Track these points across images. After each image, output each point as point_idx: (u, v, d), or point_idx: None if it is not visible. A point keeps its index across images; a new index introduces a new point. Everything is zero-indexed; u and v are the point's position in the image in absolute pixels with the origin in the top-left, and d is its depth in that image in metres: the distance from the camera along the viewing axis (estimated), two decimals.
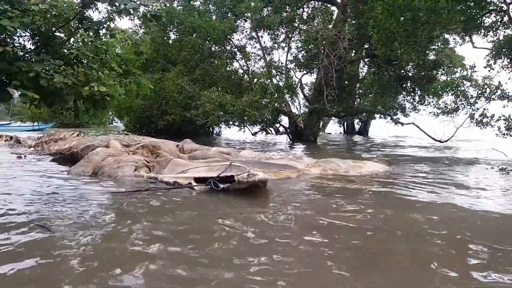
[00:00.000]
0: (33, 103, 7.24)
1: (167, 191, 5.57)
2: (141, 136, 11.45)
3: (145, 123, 22.81)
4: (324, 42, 17.17)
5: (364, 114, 25.55)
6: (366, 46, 18.75)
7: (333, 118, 28.78)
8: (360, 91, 21.43)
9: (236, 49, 20.95)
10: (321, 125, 26.39)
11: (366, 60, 20.67)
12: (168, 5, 20.16)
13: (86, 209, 4.26)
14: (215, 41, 19.01)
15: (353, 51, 19.38)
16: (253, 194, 5.18)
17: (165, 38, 20.78)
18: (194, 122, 19.59)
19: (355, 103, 22.38)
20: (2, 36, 7.03)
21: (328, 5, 19.89)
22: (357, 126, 31.81)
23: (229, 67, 21.19)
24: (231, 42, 20.62)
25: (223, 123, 20.97)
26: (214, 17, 20.41)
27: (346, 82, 19.87)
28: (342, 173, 7.88)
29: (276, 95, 17.74)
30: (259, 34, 20.95)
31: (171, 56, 20.17)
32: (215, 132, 26.06)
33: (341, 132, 32.14)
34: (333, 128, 33.06)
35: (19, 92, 7.11)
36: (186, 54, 18.81)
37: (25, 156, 9.95)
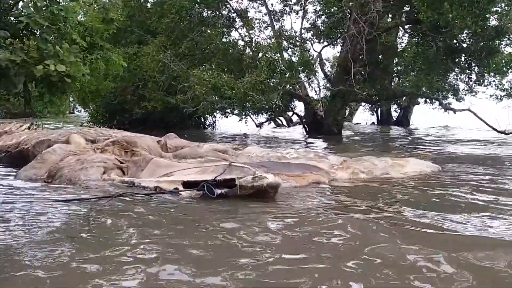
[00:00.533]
0: None
1: (146, 198, 5.52)
2: (111, 130, 11.41)
3: (116, 112, 22.78)
4: (351, 3, 17.02)
5: (404, 98, 25.41)
6: (406, 8, 18.57)
7: (363, 103, 28.65)
8: (399, 67, 21.28)
9: (235, 15, 20.84)
10: (347, 113, 26.35)
11: (406, 27, 20.51)
12: None
13: (30, 229, 4.19)
14: (208, 4, 18.93)
15: (390, 16, 19.21)
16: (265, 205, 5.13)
17: (141, 0, 20.72)
18: (180, 110, 19.55)
19: (392, 83, 22.28)
20: None
21: None
22: (394, 114, 31.62)
23: (225, 37, 21.05)
24: (229, 6, 20.53)
25: (218, 111, 20.97)
26: None
27: (380, 56, 19.71)
28: (379, 175, 7.82)
29: (287, 74, 17.62)
30: None
31: (149, 24, 20.08)
32: (208, 123, 26.04)
33: (373, 122, 32.03)
34: (363, 117, 32.95)
35: None
36: (169, 21, 18.72)
37: None
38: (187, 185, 5.77)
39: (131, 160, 7.70)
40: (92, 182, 6.70)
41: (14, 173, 7.53)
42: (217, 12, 20.12)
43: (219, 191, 5.36)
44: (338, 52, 20.85)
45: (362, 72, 17.95)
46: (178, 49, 19.34)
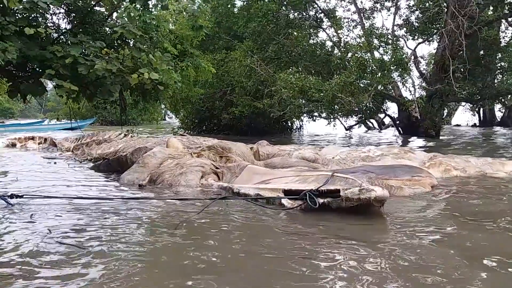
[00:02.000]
0: (71, 97, 7.72)
1: (248, 204, 5.58)
2: (202, 138, 11.72)
3: (205, 118, 23.54)
4: None
5: (510, 96, 23.86)
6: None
7: (463, 103, 27.19)
8: (503, 63, 20.05)
9: (322, 15, 20.68)
10: (445, 114, 25.15)
11: (510, 19, 19.18)
12: None
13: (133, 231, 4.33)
14: (295, 6, 18.94)
15: (491, 8, 18.07)
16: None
17: (228, 6, 21.20)
18: (267, 115, 19.71)
19: (496, 81, 20.99)
20: (33, 15, 7.58)
21: None
22: (498, 114, 29.68)
23: (313, 39, 20.99)
24: (316, 6, 20.40)
25: (305, 114, 20.90)
26: None
27: (482, 52, 18.63)
28: (473, 173, 7.36)
29: (379, 74, 17.11)
30: None
31: (236, 30, 20.52)
32: (295, 127, 26.04)
33: (474, 123, 30.26)
34: (463, 118, 31.24)
35: (54, 83, 7.61)
36: (256, 25, 18.98)
37: (55, 162, 10.67)
38: (289, 193, 5.73)
39: (226, 166, 7.81)
40: (191, 187, 6.93)
41: (111, 178, 7.92)
42: (304, 13, 20.08)
43: (321, 201, 5.26)
44: (435, 49, 19.97)
45: (462, 70, 17.06)
46: (265, 53, 19.53)
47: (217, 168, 7.68)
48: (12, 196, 5.52)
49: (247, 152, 9.01)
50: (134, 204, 5.57)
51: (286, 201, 5.58)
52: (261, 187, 6.24)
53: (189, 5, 10.37)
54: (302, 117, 22.63)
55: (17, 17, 7.06)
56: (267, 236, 4.22)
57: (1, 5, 6.26)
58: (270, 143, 10.66)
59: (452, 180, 7.14)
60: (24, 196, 5.60)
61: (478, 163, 8.04)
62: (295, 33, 19.81)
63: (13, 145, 16.37)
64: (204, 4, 15.14)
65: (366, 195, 4.95)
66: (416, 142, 16.56)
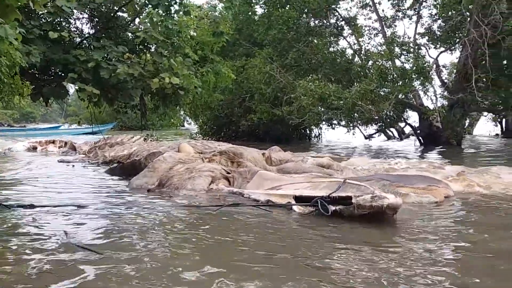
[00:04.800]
0: (92, 100, 7.81)
1: (256, 210, 5.52)
2: (216, 142, 11.76)
3: (223, 124, 23.62)
4: (471, 6, 16.01)
5: None
6: None
7: (485, 113, 26.71)
8: None
9: (343, 23, 20.64)
10: (466, 124, 24.79)
11: None
12: None
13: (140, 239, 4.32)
14: (315, 14, 18.96)
15: None
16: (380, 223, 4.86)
17: (249, 13, 21.29)
18: (286, 122, 19.69)
19: None
20: (57, 20, 7.71)
21: None
22: None
23: (333, 47, 20.96)
24: (337, 13, 20.37)
25: (324, 122, 20.80)
26: None
27: (505, 62, 18.28)
28: (499, 190, 7.16)
29: (400, 82, 16.98)
30: (376, 0, 20.37)
31: (256, 37, 20.58)
32: (313, 135, 25.94)
33: (497, 134, 29.74)
34: (486, 128, 30.72)
35: (76, 87, 7.72)
36: (276, 32, 19.02)
37: (73, 166, 10.80)
38: (299, 200, 5.67)
39: (237, 171, 7.79)
40: (199, 191, 6.91)
41: (124, 182, 7.95)
42: (325, 21, 20.05)
43: (333, 208, 5.18)
44: (457, 58, 19.69)
45: (484, 80, 16.77)
46: (285, 60, 19.55)
47: (228, 173, 7.68)
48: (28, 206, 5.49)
49: (259, 158, 8.99)
50: (142, 208, 5.58)
51: (297, 208, 5.53)
52: (271, 193, 6.21)
53: (210, 12, 10.48)
54: (321, 125, 22.56)
55: (41, 21, 7.20)
56: (278, 239, 4.19)
57: (26, 9, 6.35)
58: (287, 150, 10.61)
59: (471, 195, 7.00)
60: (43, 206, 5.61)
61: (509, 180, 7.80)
62: (315, 41, 19.80)
63: (34, 149, 16.65)
64: (225, 11, 15.27)
65: (379, 203, 4.87)
66: (437, 153, 16.30)
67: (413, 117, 20.44)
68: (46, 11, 6.88)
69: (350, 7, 21.10)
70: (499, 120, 29.28)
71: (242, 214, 5.36)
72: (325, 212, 5.13)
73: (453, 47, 19.55)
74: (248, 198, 6.34)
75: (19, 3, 5.07)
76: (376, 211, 4.92)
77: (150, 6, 7.41)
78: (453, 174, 8.08)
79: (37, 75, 7.68)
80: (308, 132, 25.32)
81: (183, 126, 40.67)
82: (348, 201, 5.14)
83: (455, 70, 20.00)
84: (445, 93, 18.66)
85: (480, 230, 4.75)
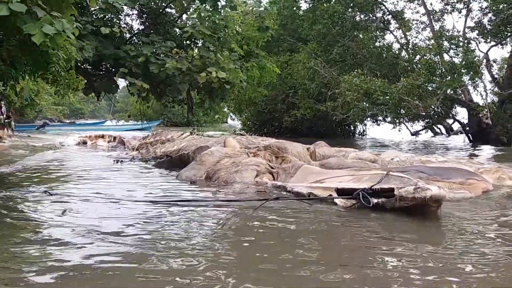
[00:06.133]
0: (141, 95, 8.01)
1: (300, 204, 5.50)
2: (260, 138, 11.81)
3: (267, 120, 23.67)
4: None
5: None
6: None
7: None
8: None
9: (390, 17, 20.28)
10: None
11: None
12: None
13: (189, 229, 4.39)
14: (362, 8, 18.71)
15: None
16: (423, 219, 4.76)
17: (294, 8, 21.22)
18: (330, 118, 19.55)
19: None
20: (108, 16, 7.94)
21: None
22: None
23: (379, 41, 20.64)
24: (384, 7, 20.02)
25: (369, 118, 20.53)
26: None
27: None
28: None
29: (448, 77, 16.55)
30: None
31: (301, 32, 20.50)
32: (358, 131, 25.65)
33: None
34: None
35: (126, 82, 7.93)
36: (321, 27, 18.89)
37: (121, 161, 11.04)
38: (342, 192, 5.61)
39: (281, 167, 7.86)
40: (246, 184, 7.00)
41: (175, 175, 8.10)
42: (371, 15, 19.75)
43: (375, 201, 5.11)
44: (508, 53, 19.00)
45: None
46: (329, 55, 19.40)
47: (272, 168, 7.75)
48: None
49: (303, 152, 8.99)
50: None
51: (339, 201, 5.49)
52: (314, 185, 6.20)
53: (255, 7, 10.48)
54: (365, 121, 22.30)
55: (93, 18, 7.43)
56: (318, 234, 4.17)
57: (79, 6, 6.54)
58: (331, 146, 10.53)
59: (503, 188, 6.81)
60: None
61: None
62: (360, 35, 19.56)
63: (84, 143, 17.13)
64: (270, 7, 15.29)
65: (422, 194, 4.76)
66: (486, 150, 15.78)
67: (461, 114, 19.90)
68: (98, 7, 7.10)
69: (397, 1, 20.60)
70: None
71: (284, 208, 5.37)
72: (367, 204, 5.08)
73: (504, 41, 18.83)
74: (291, 191, 6.36)
75: None
76: (419, 203, 4.83)
77: (197, 1, 7.52)
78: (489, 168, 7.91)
79: (89, 70, 7.94)
80: (352, 128, 25.05)
81: (227, 122, 41.03)
82: (390, 193, 5.07)
83: (506, 65, 19.30)
84: (496, 89, 18.07)
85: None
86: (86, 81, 7.67)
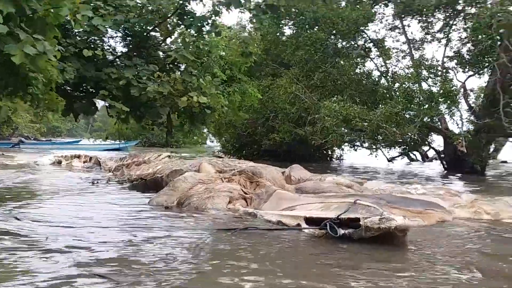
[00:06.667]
0: (121, 117, 7.94)
1: (268, 233, 5.51)
2: (237, 160, 11.82)
3: (246, 143, 23.66)
4: (502, 30, 15.84)
5: None
6: None
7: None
8: None
9: (371, 44, 20.61)
10: (491, 150, 24.39)
11: None
12: None
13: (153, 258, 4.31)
14: (344, 35, 18.95)
15: None
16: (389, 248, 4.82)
17: (278, 34, 21.41)
18: (308, 143, 19.64)
19: None
20: (91, 38, 7.89)
21: None
22: None
23: (359, 68, 20.92)
24: (365, 35, 20.37)
25: (347, 143, 20.68)
26: (343, 4, 20.41)
27: None
28: (506, 217, 7.14)
29: (426, 106, 16.82)
30: (405, 22, 20.33)
31: (284, 57, 20.65)
32: (335, 156, 25.84)
33: None
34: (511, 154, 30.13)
35: (106, 104, 7.85)
36: (303, 53, 19.06)
37: (97, 182, 10.87)
38: (310, 221, 5.68)
39: (255, 192, 7.88)
40: (217, 211, 6.97)
41: (148, 198, 8.00)
42: (353, 43, 20.05)
43: (342, 232, 5.17)
44: (485, 82, 19.45)
45: None
46: (310, 81, 19.54)
47: (245, 193, 7.76)
48: None
49: (278, 177, 9.01)
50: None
51: (308, 230, 5.56)
52: (284, 213, 6.24)
53: (240, 32, 10.58)
54: (343, 146, 22.46)
55: (77, 39, 7.37)
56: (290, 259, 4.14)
57: (63, 27, 6.49)
58: (308, 170, 10.55)
59: (477, 221, 6.97)
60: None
61: None
62: (342, 62, 19.79)
63: (59, 163, 16.84)
64: (254, 32, 15.44)
65: (387, 224, 4.85)
66: (460, 179, 15.98)
67: (437, 141, 20.19)
68: (82, 29, 7.05)
69: (379, 29, 20.94)
70: None
71: (253, 236, 5.37)
72: (334, 234, 5.12)
73: (481, 71, 19.29)
74: (261, 218, 6.40)
75: (58, 21, 5.23)
76: (384, 233, 4.90)
77: (182, 26, 7.54)
78: (464, 202, 8.05)
79: (69, 91, 7.84)
80: (330, 153, 25.22)
81: (205, 143, 40.95)
82: (357, 223, 5.13)
83: (482, 95, 19.74)
84: (472, 118, 18.41)
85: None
86: (65, 102, 7.56)
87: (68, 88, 7.87)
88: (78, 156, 17.72)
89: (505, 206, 7.79)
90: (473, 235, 5.96)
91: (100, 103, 9.07)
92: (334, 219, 5.27)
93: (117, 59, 7.96)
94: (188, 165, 10.36)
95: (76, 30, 7.13)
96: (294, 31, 20.77)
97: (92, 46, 7.48)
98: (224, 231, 5.51)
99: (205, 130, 25.81)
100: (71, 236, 4.91)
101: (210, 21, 7.34)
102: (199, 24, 7.19)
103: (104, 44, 8.20)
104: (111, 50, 8.24)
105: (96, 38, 7.74)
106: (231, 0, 6.55)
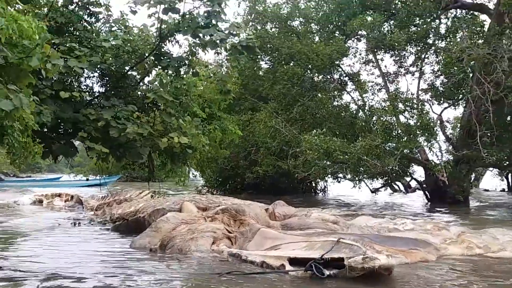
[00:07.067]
0: (101, 157, 7.82)
1: (252, 278, 5.45)
2: (221, 197, 11.79)
3: (229, 177, 23.59)
4: (473, 63, 16.26)
5: None
6: None
7: (491, 168, 26.61)
8: None
9: (347, 78, 20.93)
10: (472, 178, 24.67)
11: None
12: (259, 28, 21.11)
13: None
14: (319, 70, 19.22)
15: None
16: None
17: (255, 69, 21.64)
18: (292, 175, 19.63)
19: None
20: (68, 80, 7.82)
21: (476, 14, 19.01)
22: None
23: (337, 101, 21.16)
24: (340, 69, 20.70)
25: (330, 175, 20.71)
26: (317, 39, 20.80)
27: (509, 118, 18.40)
28: (496, 250, 7.21)
29: (405, 138, 17.06)
30: (378, 56, 20.72)
31: (262, 91, 20.83)
32: (319, 188, 25.84)
33: (503, 189, 29.50)
34: (492, 183, 30.50)
35: (85, 146, 7.74)
36: (281, 87, 19.25)
37: (79, 223, 10.68)
38: (294, 261, 5.68)
39: (239, 231, 7.83)
40: (201, 254, 6.87)
41: (129, 241, 7.86)
42: (329, 77, 20.32)
43: (327, 273, 5.17)
44: (461, 114, 19.83)
45: (489, 135, 16.79)
46: (290, 114, 19.68)
47: (230, 232, 7.70)
48: None
49: (262, 214, 9.02)
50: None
51: (293, 271, 5.55)
52: (268, 254, 6.22)
53: (218, 70, 10.66)
54: (326, 178, 22.49)
55: (53, 81, 7.30)
56: None
57: (38, 69, 6.43)
58: (293, 203, 10.55)
59: (469, 257, 7.02)
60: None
61: (504, 241, 7.85)
62: (319, 95, 19.99)
63: (40, 202, 16.53)
64: (232, 69, 15.58)
65: (370, 264, 4.87)
66: (444, 210, 16.08)
67: (418, 172, 20.38)
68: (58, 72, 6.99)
69: (353, 63, 21.27)
70: (505, 175, 29.15)
71: (240, 279, 5.30)
72: (320, 275, 5.11)
73: (456, 103, 19.67)
74: (245, 260, 6.34)
75: (32, 68, 5.17)
76: (369, 272, 4.89)
77: (159, 66, 7.55)
78: (454, 236, 8.09)
79: (46, 133, 7.71)
80: (314, 185, 25.22)
81: (189, 176, 40.65)
82: (342, 263, 5.14)
83: (459, 125, 20.06)
84: (450, 148, 18.67)
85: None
86: (43, 145, 7.43)
87: (46, 130, 7.74)
88: (59, 195, 17.45)
89: (492, 239, 7.87)
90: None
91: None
92: (319, 259, 5.27)
93: (95, 99, 7.91)
94: (171, 203, 10.25)
95: None
96: (271, 66, 21.06)
97: (69, 87, 7.42)
98: (208, 276, 5.44)
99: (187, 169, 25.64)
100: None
101: (187, 62, 7.36)
102: (176, 65, 7.21)
103: (81, 84, 8.15)
104: (88, 90, 8.18)
105: (72, 79, 7.70)
106: (207, 41, 6.56)
